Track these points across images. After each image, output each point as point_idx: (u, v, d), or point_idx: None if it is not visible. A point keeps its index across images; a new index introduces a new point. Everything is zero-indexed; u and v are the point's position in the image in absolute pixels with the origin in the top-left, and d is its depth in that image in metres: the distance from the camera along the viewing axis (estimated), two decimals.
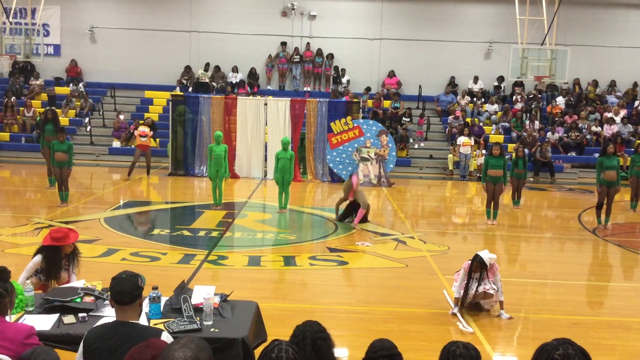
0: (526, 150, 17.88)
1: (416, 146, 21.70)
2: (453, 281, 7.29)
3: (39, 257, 6.01)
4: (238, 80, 23.95)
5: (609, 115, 22.61)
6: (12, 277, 4.57)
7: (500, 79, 24.48)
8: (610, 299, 8.34)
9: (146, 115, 22.15)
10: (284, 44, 24.33)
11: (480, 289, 6.86)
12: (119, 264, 8.53)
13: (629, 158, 15.59)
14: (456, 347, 3.20)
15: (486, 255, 6.87)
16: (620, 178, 12.69)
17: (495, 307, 6.99)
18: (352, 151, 17.88)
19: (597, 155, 15.38)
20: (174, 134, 18.42)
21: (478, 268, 6.86)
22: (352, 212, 12.05)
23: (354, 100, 19.45)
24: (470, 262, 6.89)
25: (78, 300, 4.83)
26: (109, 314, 4.53)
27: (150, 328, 3.76)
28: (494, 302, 6.96)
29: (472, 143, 20.16)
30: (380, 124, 18.85)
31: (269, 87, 24.47)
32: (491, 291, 6.85)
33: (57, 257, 6.02)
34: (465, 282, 6.89)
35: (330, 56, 24.48)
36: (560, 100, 23.80)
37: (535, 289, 8.41)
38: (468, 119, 22.37)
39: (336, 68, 24.36)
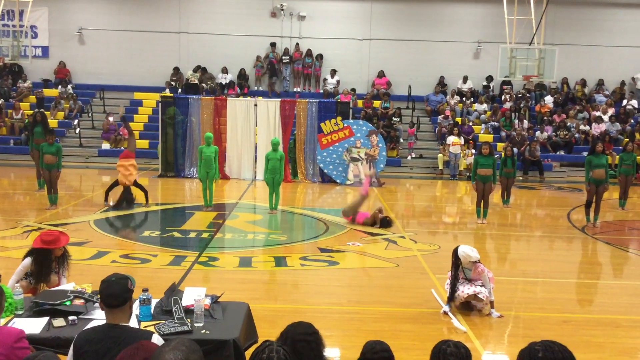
0: (515, 149, 17.98)
1: (409, 157, 21.53)
2: (446, 279, 7.32)
3: (28, 260, 5.96)
4: (228, 81, 23.91)
5: (597, 114, 22.77)
6: (1, 280, 4.54)
7: (489, 78, 24.57)
8: (599, 297, 8.39)
9: (136, 116, 22.08)
10: (273, 44, 24.31)
11: (471, 291, 6.88)
12: (109, 266, 8.50)
13: (617, 156, 15.71)
14: (447, 346, 3.22)
15: (465, 248, 6.92)
16: (609, 176, 12.78)
17: (486, 306, 7.01)
18: (343, 151, 17.90)
19: (585, 153, 15.51)
20: (164, 135, 18.37)
21: (453, 257, 6.94)
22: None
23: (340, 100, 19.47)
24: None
25: (68, 303, 4.80)
26: (99, 317, 4.51)
27: (141, 330, 3.75)
28: (485, 304, 6.99)
29: (462, 142, 20.24)
30: (370, 124, 18.88)
31: (260, 87, 24.44)
32: (481, 295, 6.86)
33: (47, 260, 5.98)
34: (452, 277, 6.94)
35: (320, 57, 24.49)
36: (549, 100, 23.93)
37: (525, 287, 8.45)
38: (458, 119, 22.44)
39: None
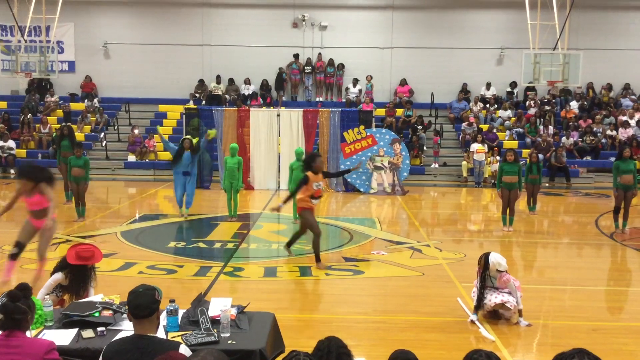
0: (540, 156, 17.78)
1: (432, 165, 21.39)
2: (472, 288, 7.25)
3: (60, 275, 6.03)
4: (251, 92, 24.06)
5: (624, 118, 22.44)
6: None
7: (513, 84, 24.38)
8: (630, 304, 8.24)
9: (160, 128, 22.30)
10: (296, 56, 24.41)
11: (499, 300, 6.80)
12: (136, 277, 8.57)
13: None
14: (478, 355, 3.12)
15: (497, 256, 6.85)
16: (637, 182, 12.57)
17: (514, 315, 6.93)
18: (366, 160, 17.88)
19: (612, 159, 15.26)
20: None
21: (481, 264, 6.85)
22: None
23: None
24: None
25: (96, 314, 4.85)
26: (127, 328, 4.55)
27: (169, 341, 3.78)
28: (513, 313, 6.90)
29: (486, 150, 20.08)
30: (393, 132, 18.84)
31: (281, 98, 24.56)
32: (509, 305, 6.78)
33: (85, 275, 6.06)
34: (479, 285, 6.87)
35: (342, 66, 24.55)
36: (574, 105, 23.65)
37: (553, 296, 8.34)
38: (482, 126, 22.29)
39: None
